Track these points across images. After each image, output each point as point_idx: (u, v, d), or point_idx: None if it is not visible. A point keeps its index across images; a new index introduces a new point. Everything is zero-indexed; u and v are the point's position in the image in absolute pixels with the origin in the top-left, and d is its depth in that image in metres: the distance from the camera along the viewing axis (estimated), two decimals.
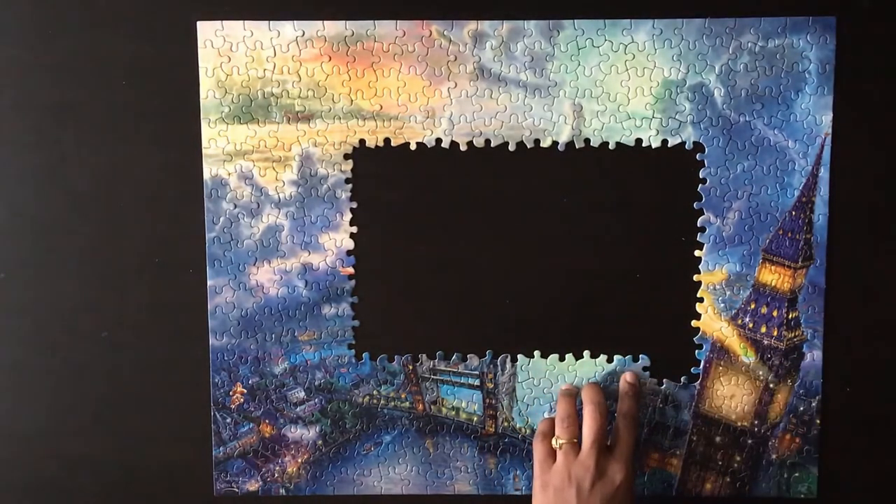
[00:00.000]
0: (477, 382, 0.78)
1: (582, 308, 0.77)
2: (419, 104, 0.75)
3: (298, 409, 0.78)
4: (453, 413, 0.78)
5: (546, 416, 0.78)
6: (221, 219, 0.76)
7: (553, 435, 0.73)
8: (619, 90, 0.74)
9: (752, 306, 0.76)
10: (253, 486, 0.79)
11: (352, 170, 0.76)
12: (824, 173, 0.75)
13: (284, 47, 0.74)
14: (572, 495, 0.69)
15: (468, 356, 0.78)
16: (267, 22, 0.74)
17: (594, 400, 0.72)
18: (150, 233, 0.77)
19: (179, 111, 0.75)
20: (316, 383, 0.78)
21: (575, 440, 0.72)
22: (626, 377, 0.76)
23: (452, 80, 0.75)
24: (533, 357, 0.78)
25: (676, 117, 0.75)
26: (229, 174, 0.76)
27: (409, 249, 0.77)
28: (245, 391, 0.78)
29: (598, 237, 0.76)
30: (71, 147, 0.76)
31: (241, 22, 0.74)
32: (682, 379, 0.77)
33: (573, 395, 0.75)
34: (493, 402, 0.78)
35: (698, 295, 0.76)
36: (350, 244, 0.76)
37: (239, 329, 0.77)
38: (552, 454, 0.72)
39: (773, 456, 0.78)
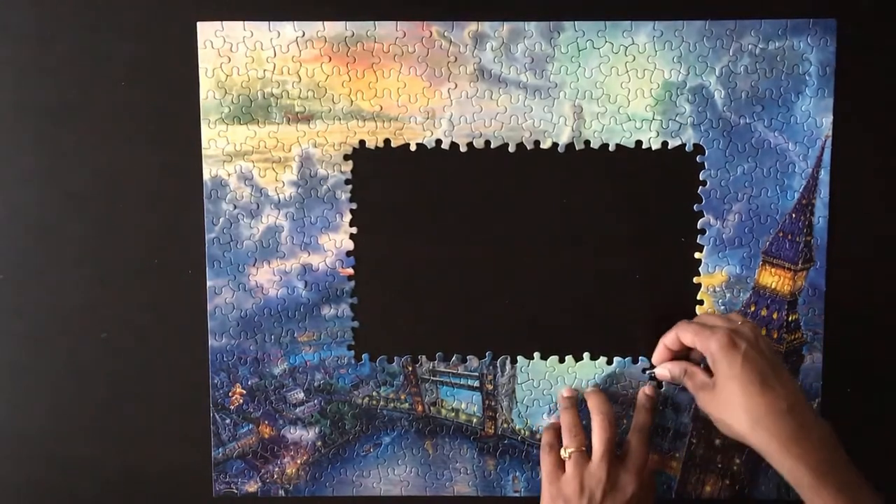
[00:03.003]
0: (476, 384, 0.78)
1: (582, 309, 0.77)
2: (419, 105, 0.75)
3: (298, 410, 0.78)
4: (453, 414, 0.78)
5: (546, 418, 0.78)
6: (221, 219, 0.76)
7: (559, 446, 0.72)
8: (619, 92, 0.74)
9: (752, 308, 0.76)
10: (252, 487, 0.79)
11: (352, 171, 0.76)
12: (824, 175, 0.75)
13: (284, 48, 0.74)
14: None
15: (468, 357, 0.78)
16: (267, 22, 0.74)
17: (602, 410, 0.72)
18: (150, 233, 0.77)
19: (179, 111, 0.75)
20: (315, 384, 0.78)
21: (583, 448, 0.71)
22: (646, 390, 0.75)
23: (452, 81, 0.75)
24: (533, 358, 0.78)
25: (677, 119, 0.75)
26: (229, 175, 0.76)
27: (409, 250, 0.77)
28: (244, 392, 0.78)
29: (598, 239, 0.76)
30: (71, 147, 0.76)
31: (241, 22, 0.74)
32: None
33: (575, 404, 0.75)
34: (493, 403, 0.78)
35: (698, 297, 0.76)
36: (350, 245, 0.76)
37: (238, 330, 0.77)
38: (560, 465, 0.72)
39: None
